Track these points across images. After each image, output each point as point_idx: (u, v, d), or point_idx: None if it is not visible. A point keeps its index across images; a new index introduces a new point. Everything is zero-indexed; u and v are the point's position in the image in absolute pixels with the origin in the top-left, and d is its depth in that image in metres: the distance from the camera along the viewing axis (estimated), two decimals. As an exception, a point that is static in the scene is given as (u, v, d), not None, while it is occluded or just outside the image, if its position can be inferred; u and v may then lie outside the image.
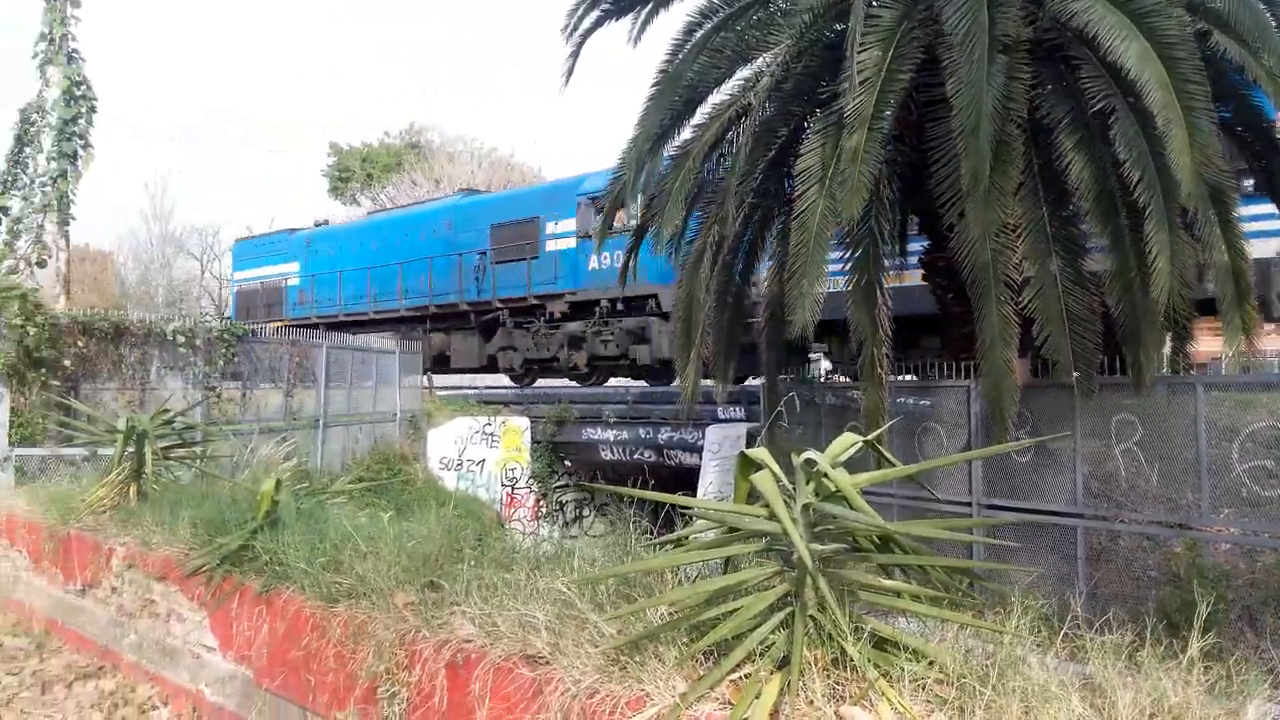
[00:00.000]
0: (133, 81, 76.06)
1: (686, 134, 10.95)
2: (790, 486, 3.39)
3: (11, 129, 14.14)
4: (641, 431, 18.16)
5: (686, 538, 3.80)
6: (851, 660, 3.07)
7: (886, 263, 9.89)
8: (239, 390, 14.61)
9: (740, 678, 3.18)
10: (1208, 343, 11.79)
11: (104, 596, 7.53)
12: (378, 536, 5.30)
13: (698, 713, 3.11)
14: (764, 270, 12.13)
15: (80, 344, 12.33)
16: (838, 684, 3.09)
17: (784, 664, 3.13)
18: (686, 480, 15.71)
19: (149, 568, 6.82)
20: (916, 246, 11.74)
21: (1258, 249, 10.17)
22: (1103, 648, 3.15)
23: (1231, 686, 3.07)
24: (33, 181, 14.17)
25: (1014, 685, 2.93)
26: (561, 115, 71.59)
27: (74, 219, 14.55)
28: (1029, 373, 9.88)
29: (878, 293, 9.35)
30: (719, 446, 15.73)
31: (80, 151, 14.36)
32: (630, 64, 19.69)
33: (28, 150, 14.18)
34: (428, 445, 18.96)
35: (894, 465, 3.83)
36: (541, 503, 19.59)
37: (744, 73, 10.66)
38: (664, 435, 17.69)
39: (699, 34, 10.59)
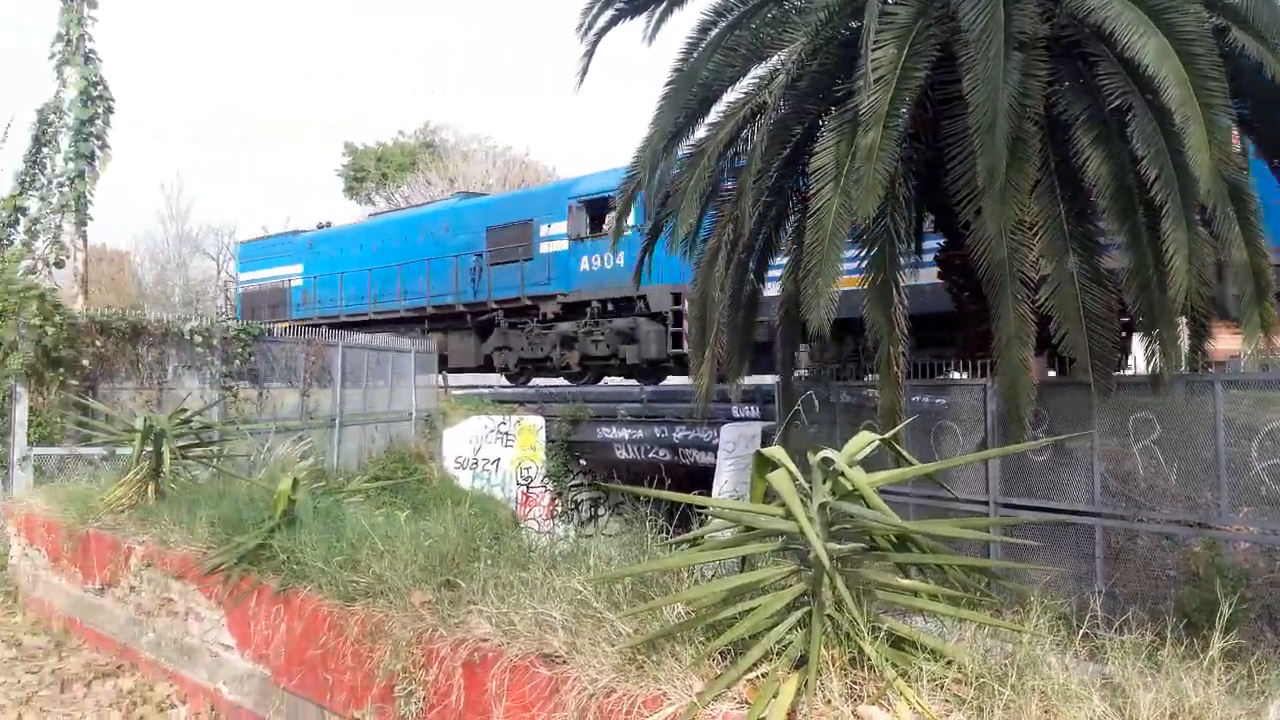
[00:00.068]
0: (144, 80, 76.47)
1: (701, 132, 10.92)
2: (807, 485, 3.38)
3: (29, 129, 14.20)
4: (656, 430, 18.16)
5: (702, 537, 3.79)
6: (869, 660, 3.05)
7: (902, 261, 9.86)
8: (255, 390, 14.66)
9: (757, 677, 3.17)
10: (1226, 340, 11.71)
11: (122, 595, 7.57)
12: (394, 535, 5.30)
13: (715, 712, 3.10)
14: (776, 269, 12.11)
15: (98, 344, 12.38)
16: (855, 683, 3.08)
17: (801, 663, 3.12)
18: (701, 479, 15.70)
19: (167, 566, 6.85)
20: (931, 244, 11.70)
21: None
22: (1122, 647, 3.13)
23: (1253, 686, 3.05)
24: (50, 182, 14.21)
25: (1033, 685, 2.91)
26: (576, 113, 71.65)
27: (91, 219, 14.59)
28: (1046, 371, 9.83)
29: (894, 291, 9.32)
30: (734, 445, 15.71)
31: (98, 152, 14.38)
32: (645, 62, 19.70)
33: (45, 151, 14.23)
34: (443, 444, 19.00)
35: (911, 464, 3.81)
36: (557, 501, 19.62)
37: (759, 71, 10.63)
38: (679, 434, 17.68)
39: (713, 32, 10.58)
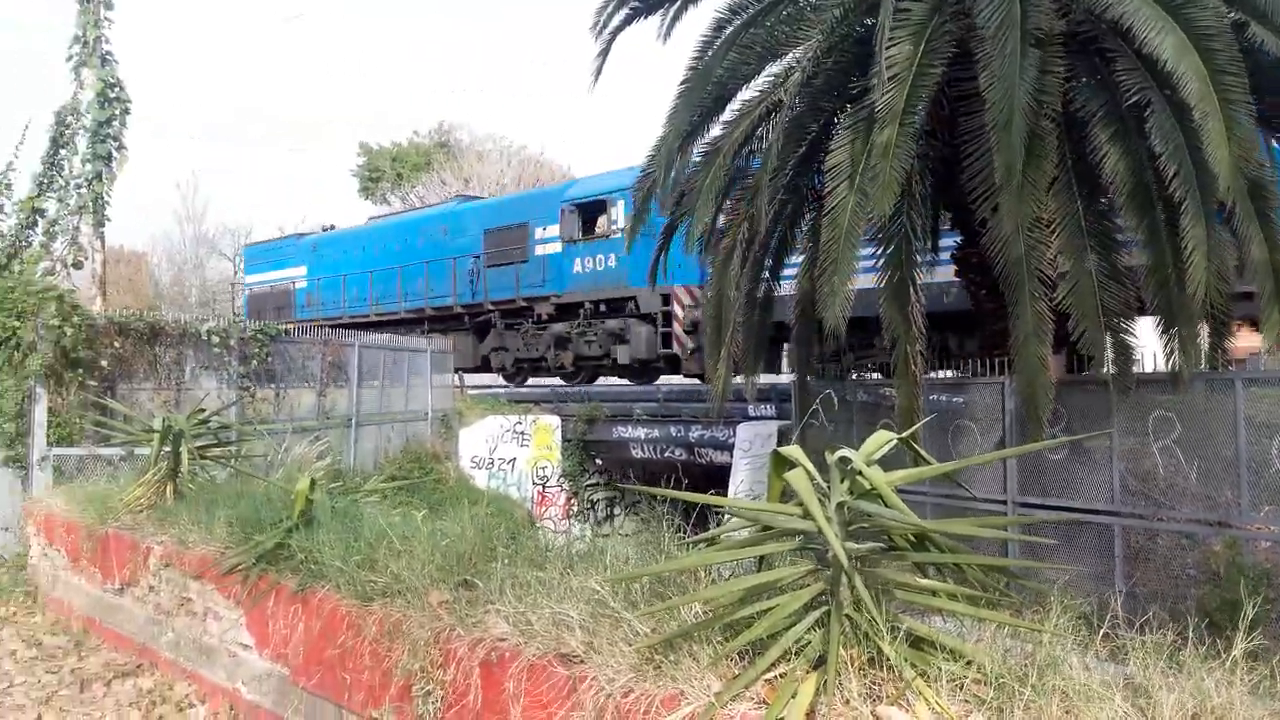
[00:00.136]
0: (162, 80, 76.88)
1: (716, 131, 10.90)
2: (824, 485, 3.37)
3: (46, 131, 14.26)
4: (672, 429, 18.15)
5: (719, 536, 3.78)
6: (888, 660, 3.04)
7: (919, 259, 9.82)
8: (273, 390, 14.72)
9: (775, 677, 3.16)
10: (1246, 338, 11.62)
11: (141, 595, 7.60)
12: (411, 535, 5.32)
13: (733, 712, 3.10)
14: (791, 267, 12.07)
15: (116, 344, 12.43)
16: (874, 684, 3.06)
17: (820, 663, 3.11)
18: (718, 478, 15.67)
19: (186, 566, 6.88)
20: (949, 242, 11.65)
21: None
22: (1144, 647, 3.11)
23: (1275, 687, 3.03)
24: (68, 184, 14.27)
25: (1053, 685, 2.89)
26: (591, 112, 71.67)
27: (109, 220, 14.64)
28: (1064, 369, 9.78)
29: (910, 289, 9.29)
30: (750, 444, 15.68)
31: (114, 153, 14.43)
32: (659, 61, 19.71)
33: (63, 153, 14.29)
34: (459, 444, 19.03)
35: (929, 463, 3.79)
36: (573, 501, 19.63)
37: (774, 69, 10.60)
38: (695, 433, 17.67)
39: (728, 30, 10.55)
